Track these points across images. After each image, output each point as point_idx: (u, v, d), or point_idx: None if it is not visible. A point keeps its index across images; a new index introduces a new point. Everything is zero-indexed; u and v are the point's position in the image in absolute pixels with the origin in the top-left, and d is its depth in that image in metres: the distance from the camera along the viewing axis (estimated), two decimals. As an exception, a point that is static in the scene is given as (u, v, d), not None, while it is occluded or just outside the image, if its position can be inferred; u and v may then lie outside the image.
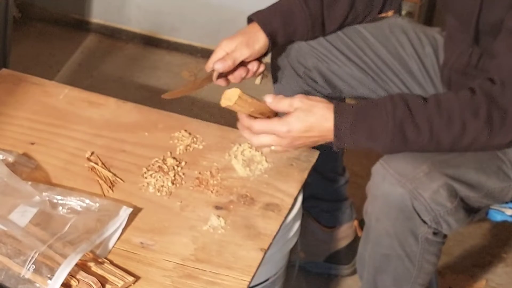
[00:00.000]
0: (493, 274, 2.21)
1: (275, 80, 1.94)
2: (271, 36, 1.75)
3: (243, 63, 1.75)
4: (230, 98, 1.55)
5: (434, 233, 1.59)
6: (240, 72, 1.75)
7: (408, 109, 1.50)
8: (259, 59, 1.78)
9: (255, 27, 1.75)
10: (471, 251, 2.27)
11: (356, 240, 2.06)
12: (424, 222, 1.56)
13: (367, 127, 1.51)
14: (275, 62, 1.91)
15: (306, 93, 1.85)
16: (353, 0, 1.79)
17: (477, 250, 2.27)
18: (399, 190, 1.52)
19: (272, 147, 1.58)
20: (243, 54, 1.72)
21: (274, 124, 1.55)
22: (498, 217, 1.74)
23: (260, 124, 1.56)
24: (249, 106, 1.56)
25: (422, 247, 1.60)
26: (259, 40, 1.74)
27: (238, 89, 1.55)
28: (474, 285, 2.17)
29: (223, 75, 1.76)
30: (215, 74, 1.74)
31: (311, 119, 1.53)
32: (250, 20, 1.79)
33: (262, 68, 1.78)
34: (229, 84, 1.76)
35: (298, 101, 1.55)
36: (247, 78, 1.78)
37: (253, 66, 1.76)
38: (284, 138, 1.55)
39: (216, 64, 1.72)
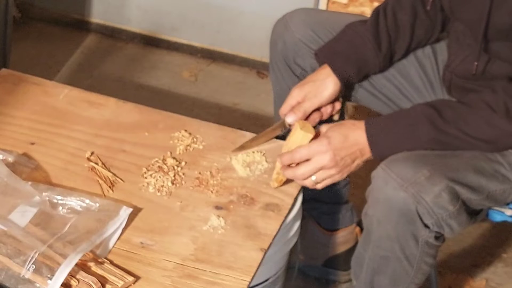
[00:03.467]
0: (493, 274, 2.21)
1: (273, 80, 1.94)
2: (345, 82, 1.77)
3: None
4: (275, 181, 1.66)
5: (436, 237, 1.59)
6: (314, 117, 1.76)
7: (434, 108, 1.58)
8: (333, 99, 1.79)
9: (326, 72, 1.76)
10: (471, 250, 2.27)
11: (356, 246, 2.05)
12: (426, 226, 1.56)
13: (399, 127, 1.59)
14: (273, 62, 1.91)
15: None
16: (413, 29, 1.79)
17: (477, 250, 2.27)
18: (401, 194, 1.53)
19: (323, 177, 1.62)
20: (313, 104, 1.74)
21: (312, 144, 1.61)
22: (498, 218, 1.74)
23: (299, 152, 1.60)
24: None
25: (422, 250, 1.60)
26: (328, 88, 1.75)
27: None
28: (474, 285, 2.17)
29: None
30: (287, 123, 1.75)
31: (344, 128, 1.61)
32: (319, 57, 1.79)
33: (338, 106, 1.79)
34: None
35: (324, 126, 1.64)
36: (323, 119, 1.78)
37: (326, 109, 1.77)
38: (326, 153, 1.59)
39: (287, 117, 1.74)
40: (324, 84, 1.75)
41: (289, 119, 1.73)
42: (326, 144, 1.59)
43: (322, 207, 2.05)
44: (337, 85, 1.75)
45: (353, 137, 1.60)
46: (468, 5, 1.64)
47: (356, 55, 1.77)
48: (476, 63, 1.65)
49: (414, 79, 1.85)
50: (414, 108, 1.61)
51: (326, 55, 1.78)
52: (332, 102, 1.78)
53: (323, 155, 1.59)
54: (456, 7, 1.68)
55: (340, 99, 1.80)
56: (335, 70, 1.75)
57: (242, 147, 1.73)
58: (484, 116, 1.56)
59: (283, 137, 1.83)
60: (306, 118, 1.75)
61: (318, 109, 1.76)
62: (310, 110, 1.74)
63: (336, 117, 1.82)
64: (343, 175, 1.63)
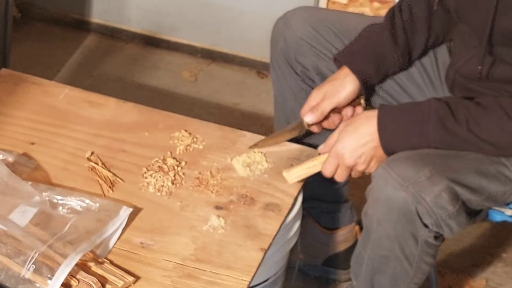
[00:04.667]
0: (493, 274, 2.21)
1: (274, 78, 1.94)
2: (364, 81, 1.75)
3: (337, 109, 1.76)
4: (291, 180, 1.67)
5: (435, 237, 1.59)
6: (334, 119, 1.76)
7: (448, 105, 1.58)
8: (354, 103, 1.77)
9: (345, 72, 1.75)
10: (471, 250, 2.27)
11: (355, 245, 2.05)
12: (425, 225, 1.56)
13: (409, 121, 1.59)
14: (274, 61, 1.91)
15: (304, 91, 1.86)
16: (429, 23, 1.79)
17: (477, 250, 2.27)
18: (402, 194, 1.52)
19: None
20: (331, 103, 1.74)
21: (331, 153, 1.64)
22: (498, 218, 1.74)
23: (326, 166, 1.65)
24: (312, 171, 1.67)
25: (421, 250, 1.60)
26: (346, 87, 1.74)
27: (291, 177, 1.67)
28: (474, 284, 2.17)
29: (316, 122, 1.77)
30: (305, 124, 1.75)
31: (357, 124, 1.62)
32: (338, 61, 1.78)
33: (359, 111, 1.77)
34: (322, 130, 1.77)
35: (342, 124, 1.66)
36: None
37: (347, 112, 1.76)
38: (343, 156, 1.62)
39: (306, 116, 1.74)
40: (342, 84, 1.74)
41: (307, 119, 1.74)
42: (340, 148, 1.62)
43: (322, 205, 2.05)
44: (356, 85, 1.75)
45: (367, 132, 1.61)
46: (473, 9, 1.64)
47: (373, 52, 1.77)
48: (480, 67, 1.65)
49: (415, 77, 1.85)
50: (429, 103, 1.60)
51: (343, 57, 1.77)
52: (354, 106, 1.77)
53: (343, 160, 1.63)
54: (461, 10, 1.68)
55: (362, 102, 1.78)
56: (354, 69, 1.74)
57: (258, 145, 1.73)
58: (496, 119, 1.56)
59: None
60: (325, 118, 1.75)
61: (339, 111, 1.76)
62: (328, 109, 1.74)
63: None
64: (374, 166, 1.63)
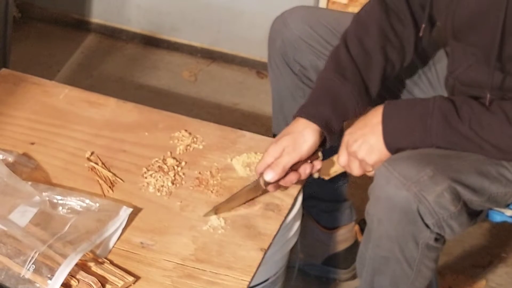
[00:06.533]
0: (493, 274, 2.21)
1: (272, 78, 1.93)
2: (326, 127, 1.64)
3: (294, 166, 1.62)
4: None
5: (436, 239, 1.59)
6: (291, 178, 1.62)
7: (453, 103, 1.57)
8: (311, 158, 1.65)
9: (301, 124, 1.63)
10: (471, 251, 2.27)
11: (355, 244, 2.05)
12: (427, 226, 1.56)
13: (414, 115, 1.58)
14: (272, 60, 1.90)
15: (301, 90, 1.86)
16: (384, 52, 1.72)
17: (477, 250, 2.27)
18: (403, 193, 1.52)
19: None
20: (292, 158, 1.60)
21: (342, 142, 1.64)
22: (498, 218, 1.74)
23: (339, 156, 1.65)
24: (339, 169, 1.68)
25: (422, 253, 1.60)
26: (306, 140, 1.62)
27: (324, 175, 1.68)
28: (474, 285, 2.17)
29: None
30: (262, 183, 1.61)
31: (365, 116, 1.63)
32: (294, 117, 1.68)
33: (318, 165, 1.65)
34: (278, 189, 1.63)
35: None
36: (300, 180, 1.64)
37: (305, 169, 1.63)
38: (347, 143, 1.62)
39: (266, 174, 1.60)
40: (302, 136, 1.62)
41: (267, 177, 1.60)
42: (348, 133, 1.63)
43: (321, 204, 2.05)
44: (316, 135, 1.63)
45: (369, 122, 1.61)
46: (474, 31, 1.61)
47: (323, 93, 1.68)
48: (488, 95, 1.59)
49: (416, 80, 1.85)
50: (433, 99, 1.59)
51: (298, 111, 1.67)
52: (311, 160, 1.65)
53: (347, 147, 1.63)
54: (460, 31, 1.65)
55: (320, 155, 1.66)
56: (311, 118, 1.64)
57: (216, 210, 1.60)
58: (498, 122, 1.55)
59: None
60: (283, 177, 1.61)
61: (296, 168, 1.63)
62: (289, 165, 1.61)
63: (316, 175, 1.67)
64: (372, 159, 1.60)
